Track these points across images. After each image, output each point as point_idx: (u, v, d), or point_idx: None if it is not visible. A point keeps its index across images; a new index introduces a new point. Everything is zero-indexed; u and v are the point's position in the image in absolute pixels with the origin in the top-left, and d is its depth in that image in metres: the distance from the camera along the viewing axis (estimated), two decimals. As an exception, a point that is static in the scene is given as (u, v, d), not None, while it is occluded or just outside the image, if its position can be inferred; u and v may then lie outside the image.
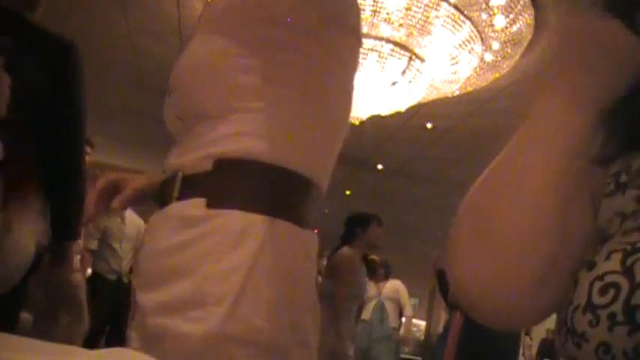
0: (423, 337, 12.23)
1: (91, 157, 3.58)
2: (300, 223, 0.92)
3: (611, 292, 0.52)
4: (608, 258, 0.54)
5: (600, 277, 0.53)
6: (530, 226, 0.57)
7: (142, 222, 4.62)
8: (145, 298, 0.90)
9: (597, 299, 0.52)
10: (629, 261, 0.52)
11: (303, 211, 0.93)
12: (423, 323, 12.56)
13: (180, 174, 0.92)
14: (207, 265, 0.85)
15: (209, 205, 0.88)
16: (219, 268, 0.84)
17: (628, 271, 0.52)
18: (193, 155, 0.92)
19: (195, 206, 0.89)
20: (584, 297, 0.54)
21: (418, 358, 10.90)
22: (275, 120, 0.91)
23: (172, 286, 0.87)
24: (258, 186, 0.90)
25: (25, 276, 1.75)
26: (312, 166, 0.96)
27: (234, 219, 0.87)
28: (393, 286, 6.02)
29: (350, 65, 1.00)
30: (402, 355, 10.86)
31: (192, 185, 0.91)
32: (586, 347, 0.53)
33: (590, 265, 0.55)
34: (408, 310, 6.11)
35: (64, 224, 1.92)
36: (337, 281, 3.59)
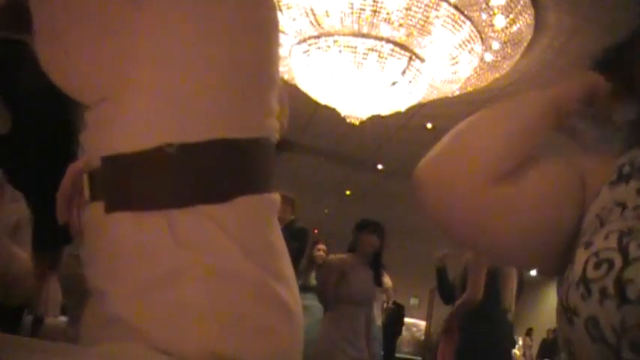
0: (423, 337, 12.23)
1: None
2: (219, 198, 0.75)
3: (605, 266, 0.54)
4: (606, 237, 0.56)
5: (596, 254, 0.55)
6: (496, 140, 0.66)
7: None
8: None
9: (591, 273, 0.55)
10: (624, 240, 0.54)
11: (223, 180, 0.77)
12: (423, 323, 12.56)
13: (86, 172, 0.79)
14: (113, 284, 0.73)
15: (107, 209, 0.75)
16: (127, 286, 0.72)
17: (623, 249, 0.54)
18: (87, 150, 0.81)
19: (94, 211, 0.77)
20: (579, 272, 0.56)
21: (418, 358, 10.91)
22: (152, 87, 0.76)
23: (89, 305, 0.77)
24: (152, 176, 0.75)
25: None
26: (218, 123, 0.78)
27: (130, 224, 0.74)
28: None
29: None
30: (402, 355, 10.87)
31: (94, 184, 0.78)
32: (577, 322, 0.54)
33: (588, 245, 0.58)
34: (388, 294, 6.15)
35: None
36: None
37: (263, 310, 0.75)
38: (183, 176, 0.75)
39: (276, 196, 0.83)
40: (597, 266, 0.54)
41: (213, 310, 0.72)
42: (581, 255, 0.57)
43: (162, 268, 0.72)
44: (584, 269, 0.55)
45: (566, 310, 0.56)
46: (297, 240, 3.74)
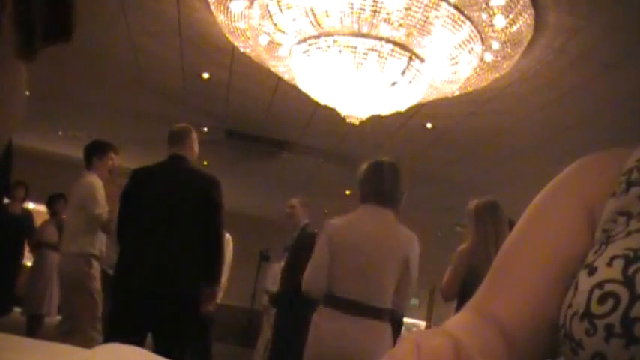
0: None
1: (114, 161, 3.88)
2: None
3: (610, 301, 0.50)
4: (609, 264, 0.53)
5: (600, 285, 0.52)
6: None
7: None
8: None
9: (595, 308, 0.51)
10: (630, 270, 0.51)
11: None
12: (423, 323, 12.55)
13: None
14: None
15: None
16: None
17: (629, 281, 0.50)
18: None
19: None
20: (582, 304, 0.53)
21: (418, 358, 10.87)
22: None
23: None
24: None
25: None
26: None
27: None
28: None
29: None
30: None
31: None
32: (582, 354, 0.52)
33: (591, 270, 0.54)
34: None
35: None
36: None
37: None
38: None
39: None
40: (602, 300, 0.51)
41: None
42: (584, 282, 0.54)
43: None
44: (588, 302, 0.52)
45: (569, 340, 0.54)
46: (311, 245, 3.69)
